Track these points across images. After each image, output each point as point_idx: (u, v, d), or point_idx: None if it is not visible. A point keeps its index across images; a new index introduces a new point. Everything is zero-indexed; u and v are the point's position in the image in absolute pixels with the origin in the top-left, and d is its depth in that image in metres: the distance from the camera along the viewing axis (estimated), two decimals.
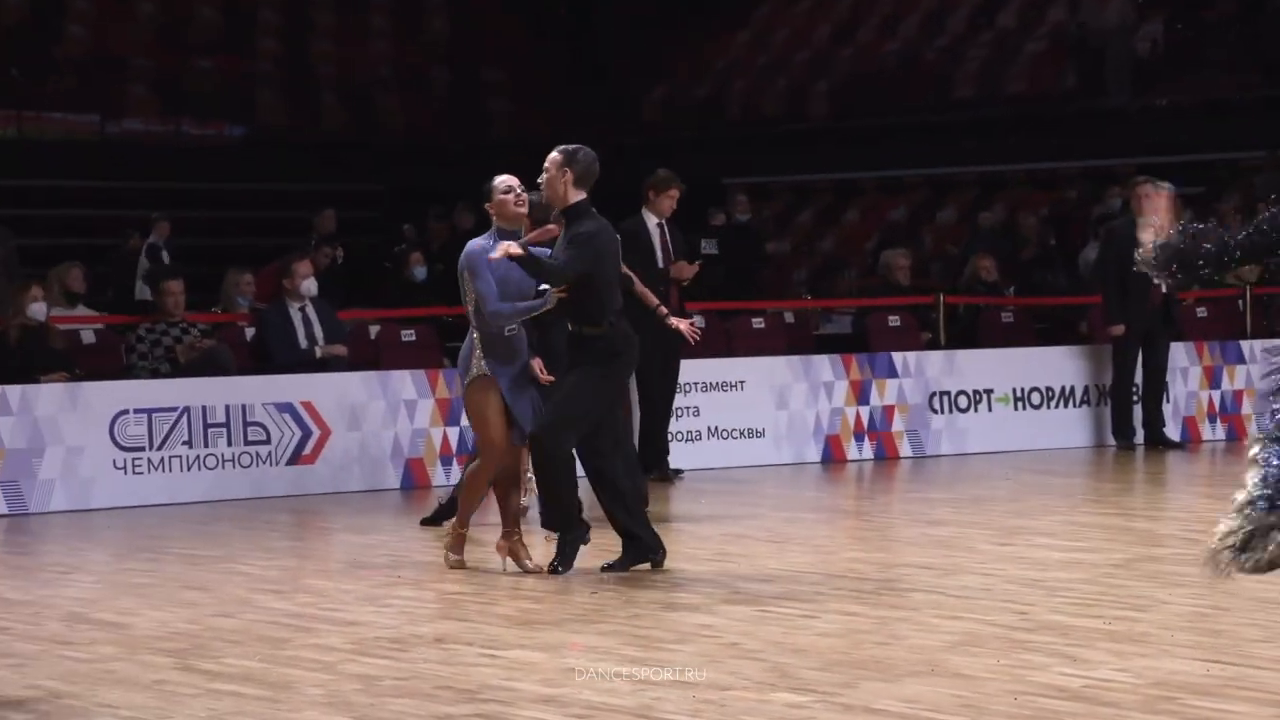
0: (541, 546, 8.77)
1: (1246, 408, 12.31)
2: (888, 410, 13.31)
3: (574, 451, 8.22)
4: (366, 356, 12.69)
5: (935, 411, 13.51)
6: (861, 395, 13.25)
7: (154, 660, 6.45)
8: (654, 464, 11.87)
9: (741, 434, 12.93)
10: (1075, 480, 12.47)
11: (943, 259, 19.79)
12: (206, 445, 11.38)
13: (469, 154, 21.72)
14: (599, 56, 25.46)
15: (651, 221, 11.86)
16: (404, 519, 10.43)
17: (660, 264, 11.82)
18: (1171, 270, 5.05)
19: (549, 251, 8.43)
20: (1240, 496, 4.97)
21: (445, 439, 11.92)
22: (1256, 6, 21.45)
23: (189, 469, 11.32)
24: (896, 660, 6.22)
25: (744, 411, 12.94)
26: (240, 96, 22.90)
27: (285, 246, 14.72)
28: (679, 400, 12.39)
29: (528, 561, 8.28)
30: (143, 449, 11.22)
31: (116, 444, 11.17)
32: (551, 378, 8.59)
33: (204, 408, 11.39)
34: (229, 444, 11.44)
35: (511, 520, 8.35)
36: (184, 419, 11.34)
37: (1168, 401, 13.90)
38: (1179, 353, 13.95)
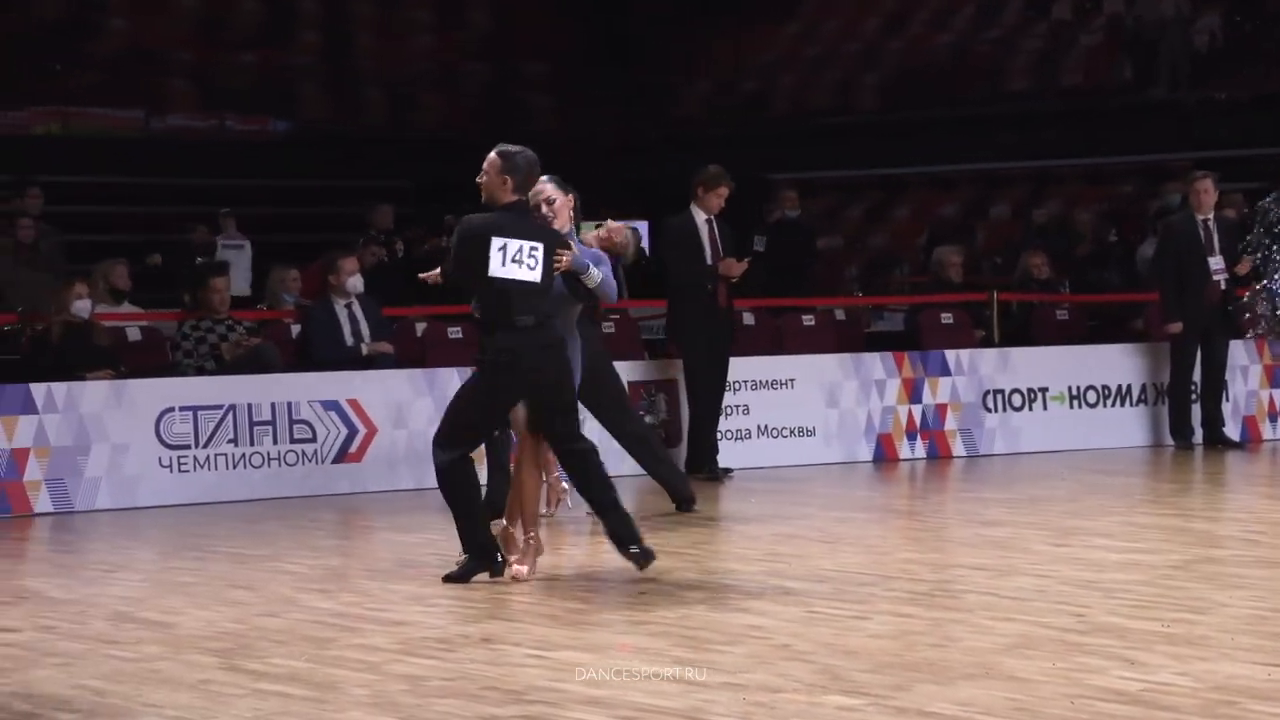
0: (580, 547, 8.78)
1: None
2: (940, 409, 13.27)
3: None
4: (413, 354, 12.73)
5: (989, 410, 13.46)
6: (914, 393, 13.22)
7: (199, 660, 6.49)
8: (703, 463, 11.88)
9: (792, 432, 12.91)
10: (1132, 480, 12.41)
11: (996, 255, 19.72)
12: (252, 443, 11.44)
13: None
14: (641, 50, 25.46)
15: (700, 218, 11.88)
16: (449, 519, 10.43)
17: (709, 260, 11.83)
18: None
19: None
20: None
21: None
22: None
23: (234, 467, 11.38)
24: (950, 663, 6.20)
25: (794, 410, 12.93)
26: (282, 91, 23.00)
27: (331, 242, 14.78)
28: (728, 398, 12.39)
29: (512, 558, 8.26)
30: (188, 447, 11.28)
31: (162, 442, 11.24)
32: None
33: (249, 405, 11.45)
34: (275, 442, 11.49)
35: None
36: (229, 417, 11.40)
37: (1227, 400, 13.82)
38: (1238, 350, 13.86)
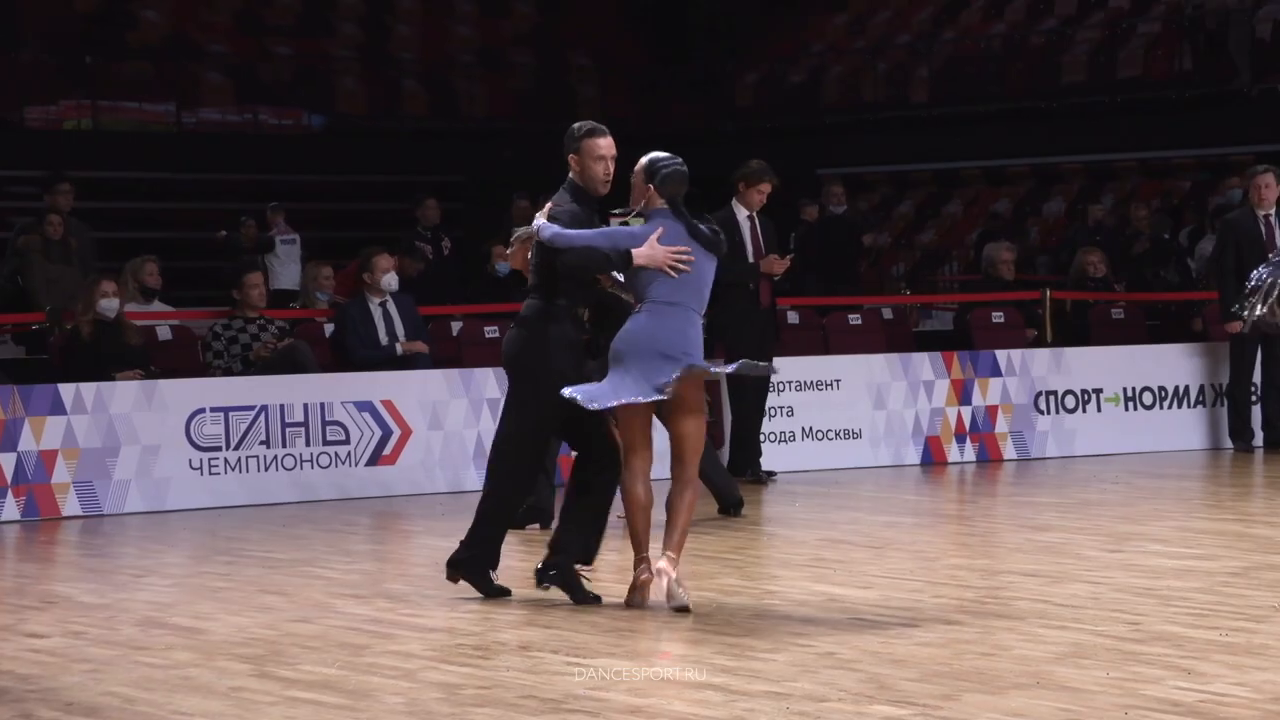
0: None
1: None
2: (991, 410, 13.23)
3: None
4: (448, 354, 12.77)
5: (1041, 412, 13.42)
6: (963, 395, 13.19)
7: (230, 666, 6.52)
8: (747, 465, 11.87)
9: (837, 435, 12.90)
10: (1190, 484, 12.34)
11: (1049, 252, 19.65)
12: (285, 445, 11.49)
13: (554, 140, 21.78)
14: (689, 40, 25.46)
15: (742, 214, 11.86)
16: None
17: (751, 258, 11.83)
18: None
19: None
20: None
21: None
22: None
23: (267, 469, 11.44)
24: (1000, 672, 6.19)
25: (840, 411, 12.91)
26: (319, 83, 23.09)
27: (373, 239, 14.83)
28: (772, 400, 12.38)
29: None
30: (220, 449, 11.34)
31: (193, 444, 11.30)
32: None
33: (282, 406, 11.50)
34: (308, 444, 11.54)
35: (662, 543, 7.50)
36: (262, 418, 11.45)
37: None
38: None
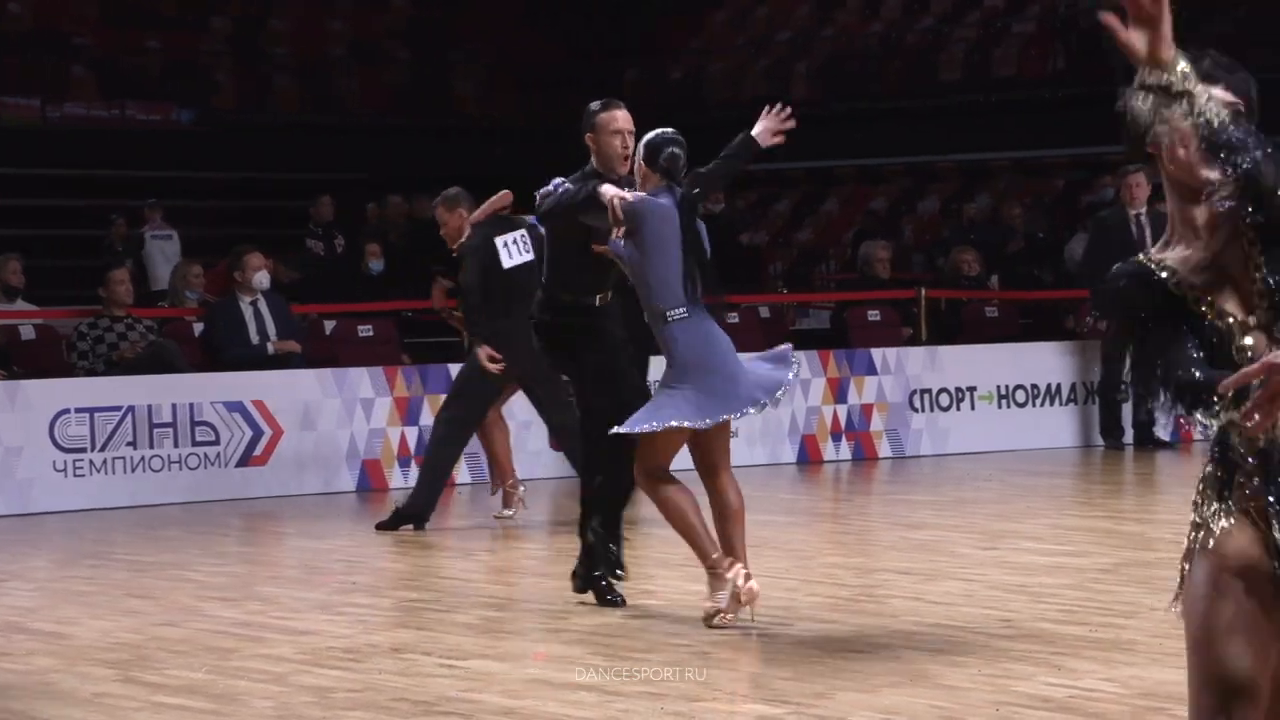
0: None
1: None
2: (866, 409, 13.35)
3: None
4: (322, 353, 12.68)
5: (916, 410, 13.55)
6: (839, 393, 13.29)
7: (94, 672, 6.44)
8: None
9: None
10: (1062, 482, 12.52)
11: (925, 251, 19.85)
12: (152, 446, 11.35)
13: (433, 136, 21.74)
14: (572, 35, 25.46)
15: None
16: (360, 523, 10.43)
17: None
18: None
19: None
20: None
21: (404, 439, 11.91)
22: None
23: (133, 471, 11.30)
24: (874, 669, 6.25)
25: None
26: (190, 78, 22.83)
27: (246, 236, 14.70)
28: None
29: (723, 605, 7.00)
30: (84, 450, 11.19)
31: (57, 445, 11.14)
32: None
33: (149, 407, 11.36)
34: (175, 445, 11.42)
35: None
36: (128, 419, 11.31)
37: None
38: None
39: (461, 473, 11.28)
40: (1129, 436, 13.80)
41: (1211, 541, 3.43)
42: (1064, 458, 13.57)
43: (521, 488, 10.32)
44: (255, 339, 12.06)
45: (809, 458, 13.17)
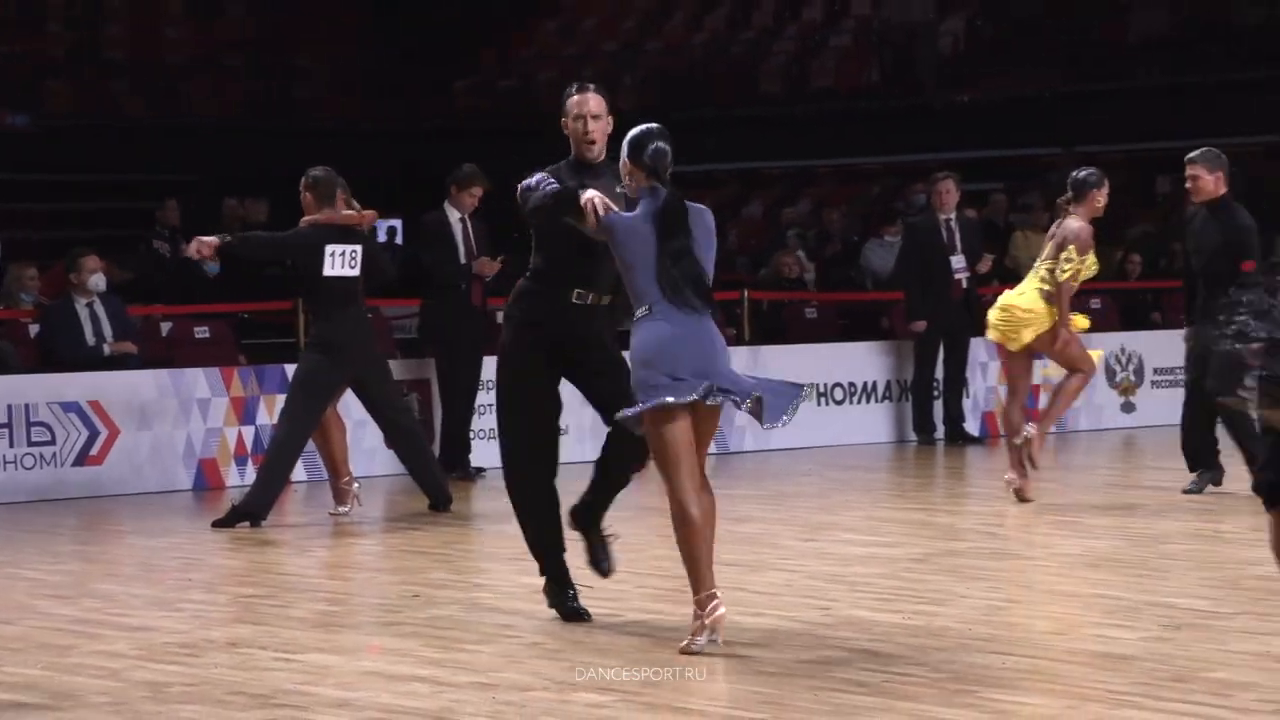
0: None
1: (1043, 402, 12.58)
2: None
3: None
4: (159, 354, 12.49)
5: (739, 408, 13.61)
6: None
7: None
8: (456, 462, 11.85)
9: None
10: (877, 476, 12.69)
11: (748, 254, 20.01)
12: None
13: (273, 140, 21.48)
14: (406, 42, 25.32)
15: (454, 216, 11.88)
16: (197, 521, 10.29)
17: (463, 259, 11.83)
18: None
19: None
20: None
21: (240, 438, 11.77)
22: (1059, 4, 22.02)
23: None
24: (701, 658, 6.29)
25: None
26: (24, 82, 22.36)
27: (86, 239, 14.43)
28: (481, 397, 12.37)
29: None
30: None
31: None
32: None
33: None
34: (10, 445, 11.17)
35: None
36: None
37: (967, 397, 14.21)
38: (979, 348, 14.26)
39: (298, 470, 11.16)
40: (940, 432, 14.03)
41: None
42: (880, 453, 13.75)
43: (357, 485, 10.25)
44: (91, 340, 11.84)
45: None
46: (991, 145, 21.15)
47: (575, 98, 7.02)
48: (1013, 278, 13.19)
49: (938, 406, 14.04)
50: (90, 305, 11.87)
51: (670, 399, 6.35)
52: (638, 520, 10.64)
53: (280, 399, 10.74)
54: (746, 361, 13.79)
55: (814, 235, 18.65)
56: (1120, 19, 21.77)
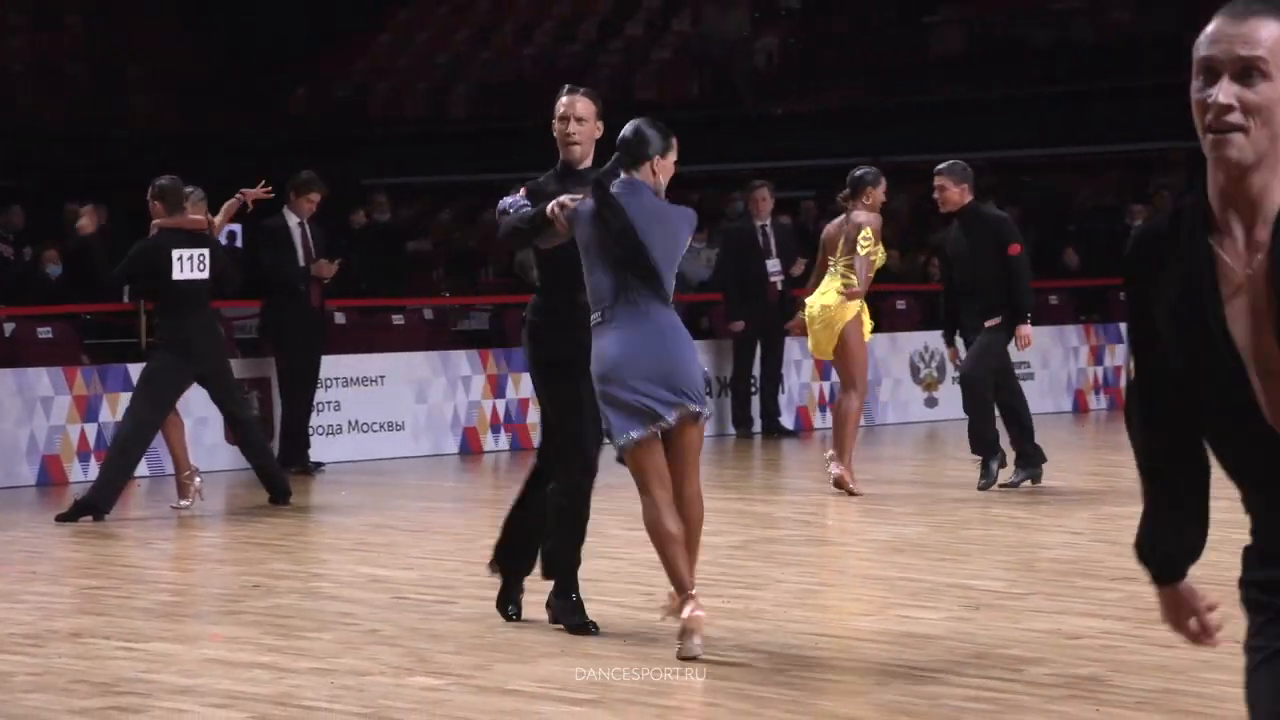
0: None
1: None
2: (523, 403, 13.42)
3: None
4: (2, 354, 12.20)
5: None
6: (498, 389, 13.34)
7: None
8: (295, 458, 11.74)
9: (382, 427, 12.87)
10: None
11: None
12: None
13: (109, 145, 21.08)
14: (247, 51, 24.99)
15: (293, 221, 11.78)
16: (40, 515, 10.07)
17: (301, 262, 11.73)
18: None
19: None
20: None
21: (83, 435, 11.54)
22: (865, 23, 22.35)
23: None
24: (530, 643, 6.30)
25: (384, 405, 12.89)
26: None
27: None
28: (320, 395, 12.27)
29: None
30: None
31: None
32: None
33: None
34: None
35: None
36: None
37: (783, 393, 14.37)
38: (793, 347, 14.44)
39: (140, 466, 10.97)
40: (757, 426, 14.17)
41: None
42: None
43: (198, 479, 10.11)
44: None
45: (470, 449, 13.19)
46: (803, 155, 21.43)
47: (564, 99, 6.55)
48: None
49: (755, 402, 14.18)
50: None
51: (634, 435, 6.10)
52: (470, 513, 10.63)
53: (124, 398, 10.56)
54: None
55: None
56: (922, 38, 22.17)
